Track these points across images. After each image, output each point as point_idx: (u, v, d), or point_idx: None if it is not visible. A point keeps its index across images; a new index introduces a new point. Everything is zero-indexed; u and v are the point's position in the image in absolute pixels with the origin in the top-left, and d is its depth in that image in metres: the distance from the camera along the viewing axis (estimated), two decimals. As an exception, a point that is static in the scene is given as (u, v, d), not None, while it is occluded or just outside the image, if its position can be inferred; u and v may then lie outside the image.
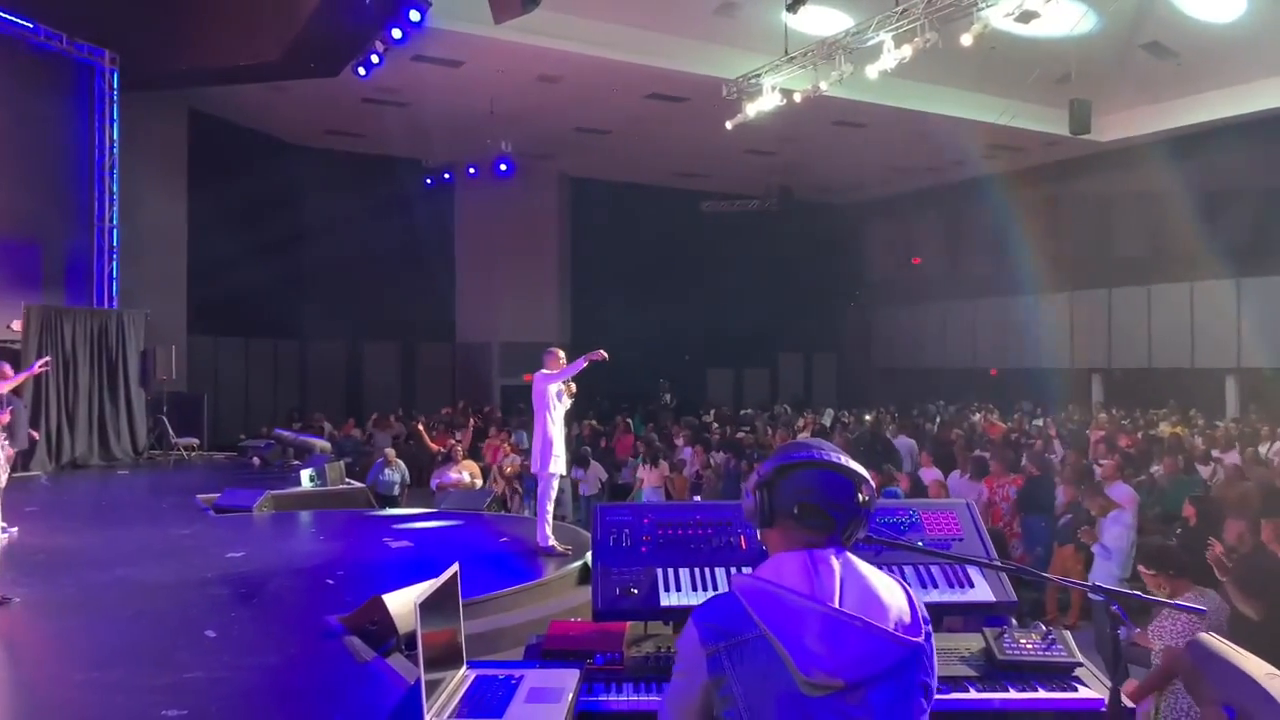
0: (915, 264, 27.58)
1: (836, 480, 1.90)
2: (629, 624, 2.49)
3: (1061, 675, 2.39)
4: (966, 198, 24.60)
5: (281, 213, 19.11)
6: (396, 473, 12.28)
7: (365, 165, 21.02)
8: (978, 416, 18.73)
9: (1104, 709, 2.12)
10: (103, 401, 14.19)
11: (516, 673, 2.23)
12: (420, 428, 12.88)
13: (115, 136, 15.29)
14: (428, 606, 2.02)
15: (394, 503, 11.74)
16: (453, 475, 11.76)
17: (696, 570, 2.54)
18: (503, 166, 19.67)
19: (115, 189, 15.19)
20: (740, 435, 15.07)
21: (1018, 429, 16.15)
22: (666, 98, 17.12)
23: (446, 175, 21.61)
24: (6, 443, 7.98)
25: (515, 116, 17.95)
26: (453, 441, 12.66)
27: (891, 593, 1.86)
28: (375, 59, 14.37)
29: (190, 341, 17.15)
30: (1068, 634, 2.57)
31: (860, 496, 1.90)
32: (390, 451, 12.66)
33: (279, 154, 19.77)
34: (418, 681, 1.96)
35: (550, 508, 7.15)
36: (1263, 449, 12.31)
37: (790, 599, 1.79)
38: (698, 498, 11.55)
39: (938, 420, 18.03)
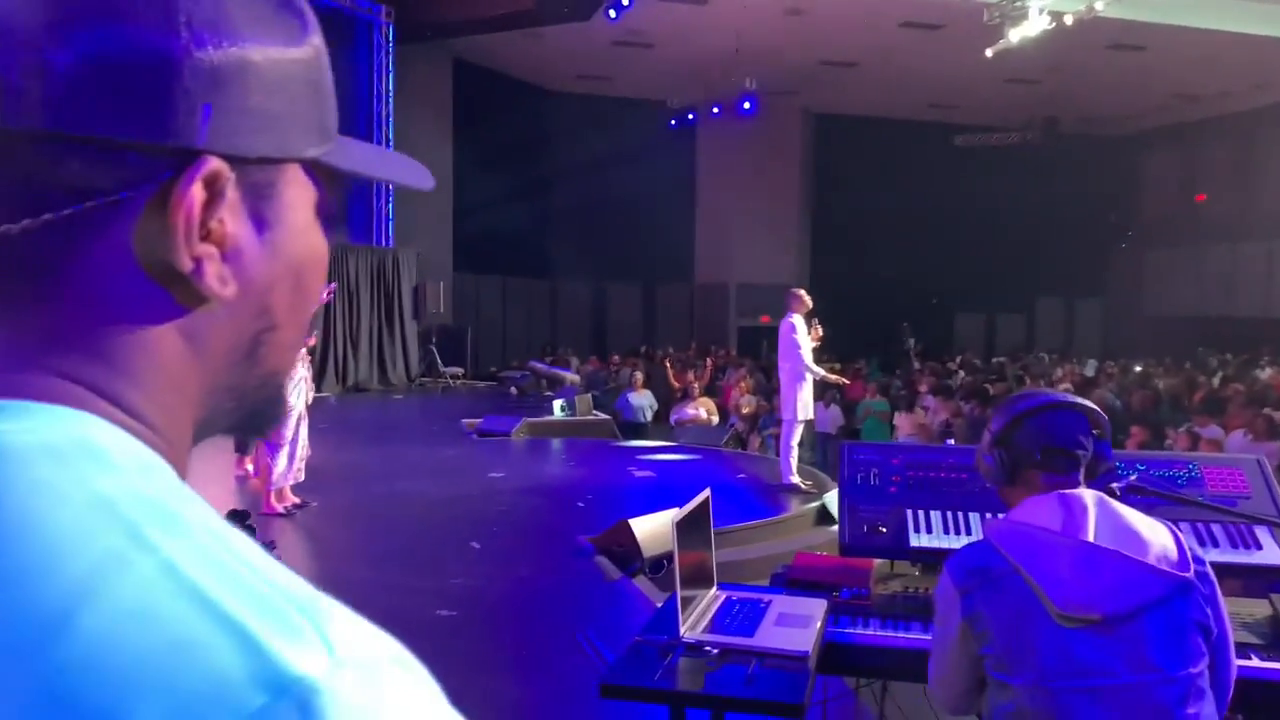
0: (1199, 201, 24.81)
1: (1070, 418, 1.89)
2: (875, 561, 2.50)
3: (1370, 649, 2.16)
4: (1262, 125, 21.78)
5: (536, 157, 20.05)
6: (645, 399, 12.68)
7: (613, 108, 21.51)
8: (1267, 372, 16.80)
9: None
10: (381, 332, 15.62)
11: (765, 597, 2.30)
12: (666, 364, 13.22)
13: (390, 86, 16.51)
14: (683, 526, 2.12)
15: (641, 430, 12.15)
16: (690, 412, 12.02)
17: (948, 513, 2.48)
18: (746, 105, 19.48)
19: (391, 135, 16.45)
20: (988, 385, 14.35)
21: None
22: (921, 25, 16.27)
23: (691, 116, 21.71)
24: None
25: (760, 53, 17.69)
26: (690, 378, 12.91)
27: (1154, 530, 1.79)
28: (625, 1, 14.58)
29: (455, 279, 18.51)
30: (1377, 605, 2.31)
31: (1095, 430, 1.88)
32: (639, 377, 13.05)
33: (534, 99, 20.65)
34: (673, 595, 2.07)
35: (795, 446, 7.19)
36: None
37: (1041, 535, 1.78)
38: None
39: (1219, 375, 16.33)
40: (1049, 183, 23.04)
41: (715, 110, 20.75)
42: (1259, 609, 2.29)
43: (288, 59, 0.51)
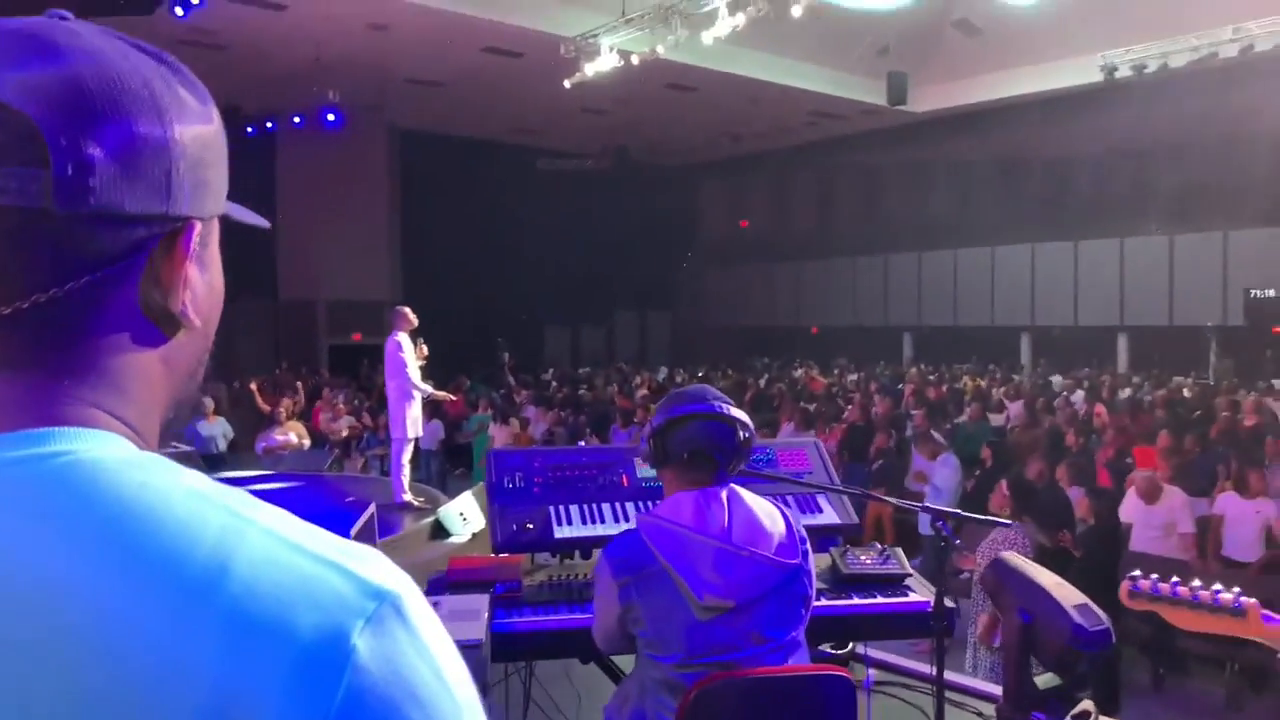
0: (743, 227, 28.50)
1: (719, 429, 2.21)
2: (522, 557, 2.72)
3: (895, 584, 2.79)
4: (792, 163, 25.62)
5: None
6: (218, 427, 11.79)
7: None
8: (800, 372, 19.76)
9: (930, 609, 2.50)
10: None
11: (432, 599, 2.39)
12: (254, 388, 12.45)
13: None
14: (357, 541, 2.15)
15: (219, 462, 11.32)
16: (278, 438, 11.40)
17: (585, 506, 2.78)
18: (330, 117, 18.96)
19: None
20: (581, 393, 15.35)
21: (837, 383, 17.19)
22: (503, 52, 16.94)
23: (270, 125, 20.62)
24: None
25: (343, 65, 17.31)
26: (285, 402, 12.28)
27: (773, 520, 2.19)
28: (196, -1, 13.54)
29: None
30: (899, 550, 2.96)
31: (740, 436, 2.21)
32: (208, 403, 12.09)
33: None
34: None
35: (406, 463, 7.20)
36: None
37: (686, 535, 2.10)
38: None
39: (765, 377, 18.88)
40: (621, 206, 25.04)
41: (297, 120, 19.91)
42: (822, 561, 2.84)
43: (212, 133, 0.64)
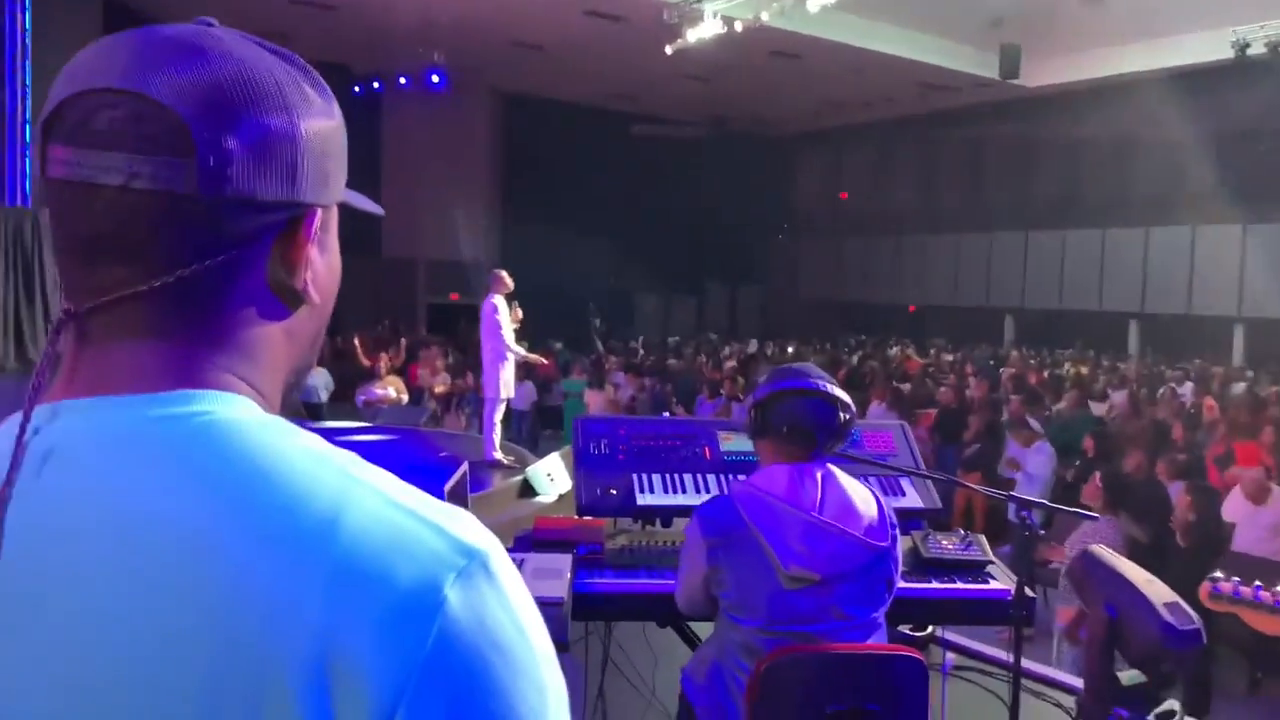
0: (842, 199, 27.92)
1: (821, 406, 2.24)
2: (605, 521, 2.81)
3: (976, 570, 2.78)
4: (895, 135, 24.98)
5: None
6: (319, 379, 12.21)
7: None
8: (895, 350, 19.42)
9: (1010, 598, 2.48)
10: (19, 305, 13.76)
11: (518, 555, 2.51)
12: (357, 343, 12.86)
13: (28, 25, 14.52)
14: (450, 496, 2.26)
15: (317, 410, 11.74)
16: (378, 391, 11.76)
17: (667, 475, 2.85)
18: (435, 79, 19.28)
19: (28, 82, 14.49)
20: (670, 362, 15.42)
21: (934, 363, 16.85)
22: (605, 15, 16.92)
23: (376, 84, 21.06)
24: None
25: (449, 27, 17.53)
26: (384, 358, 12.64)
27: (865, 502, 2.23)
28: (310, -40, 13.87)
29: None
30: (981, 537, 2.94)
31: (841, 417, 2.23)
32: None
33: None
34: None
35: (497, 423, 7.39)
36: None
37: (777, 505, 2.14)
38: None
39: (858, 354, 18.63)
40: (717, 174, 24.83)
41: (403, 81, 20.30)
42: (904, 544, 2.84)
43: (333, 128, 0.71)
